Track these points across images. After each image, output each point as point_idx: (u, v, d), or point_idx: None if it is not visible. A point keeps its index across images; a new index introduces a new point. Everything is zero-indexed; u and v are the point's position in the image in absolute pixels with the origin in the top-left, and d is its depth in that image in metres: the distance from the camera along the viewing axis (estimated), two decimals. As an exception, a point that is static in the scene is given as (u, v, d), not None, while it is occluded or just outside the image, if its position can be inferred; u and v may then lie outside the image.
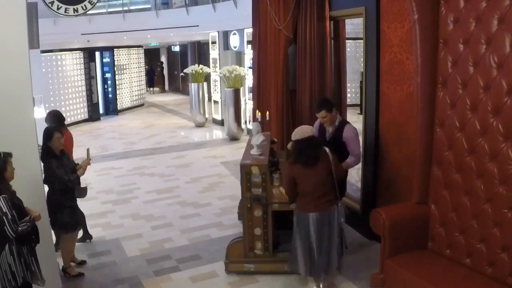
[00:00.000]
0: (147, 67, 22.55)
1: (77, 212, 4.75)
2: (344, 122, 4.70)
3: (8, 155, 3.36)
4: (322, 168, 3.87)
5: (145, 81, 19.55)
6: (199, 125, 13.10)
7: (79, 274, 4.63)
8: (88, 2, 8.29)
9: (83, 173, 4.56)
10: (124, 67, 16.63)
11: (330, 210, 3.95)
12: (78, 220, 4.78)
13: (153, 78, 23.21)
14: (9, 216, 3.18)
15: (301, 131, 3.92)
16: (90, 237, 5.49)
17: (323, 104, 4.66)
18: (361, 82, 10.91)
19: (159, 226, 5.90)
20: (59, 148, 4.48)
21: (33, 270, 3.43)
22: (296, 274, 4.24)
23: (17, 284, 3.32)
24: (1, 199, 3.19)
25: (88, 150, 4.71)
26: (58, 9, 8.05)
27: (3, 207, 3.18)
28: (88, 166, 4.68)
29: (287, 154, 4.75)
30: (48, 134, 4.44)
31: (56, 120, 5.16)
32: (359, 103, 10.29)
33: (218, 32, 12.85)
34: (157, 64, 24.23)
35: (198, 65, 13.39)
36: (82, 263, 4.87)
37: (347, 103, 6.79)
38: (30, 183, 3.90)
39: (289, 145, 4.30)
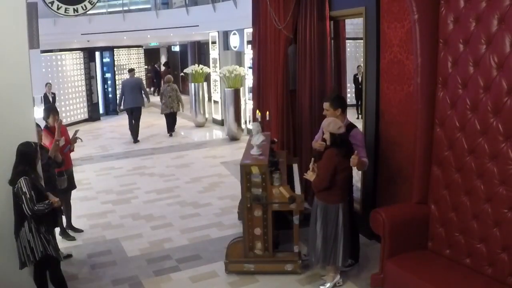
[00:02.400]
0: (155, 66, 21.97)
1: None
2: (351, 126, 4.50)
3: (37, 145, 3.85)
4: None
5: (151, 81, 18.74)
6: (199, 125, 13.10)
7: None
8: (88, 2, 8.29)
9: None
10: (124, 67, 16.62)
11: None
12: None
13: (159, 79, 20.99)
14: (28, 196, 3.58)
15: (336, 124, 4.00)
16: (78, 230, 5.58)
17: (334, 99, 4.52)
18: (355, 81, 11.00)
19: (159, 226, 5.91)
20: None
21: (54, 245, 3.87)
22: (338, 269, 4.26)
23: (35, 258, 3.70)
24: (23, 179, 3.62)
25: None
26: (58, 9, 8.05)
27: (23, 187, 3.59)
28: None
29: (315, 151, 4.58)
30: None
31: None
32: (354, 103, 10.39)
33: (218, 32, 12.85)
34: (164, 64, 23.37)
35: (198, 65, 13.39)
36: (67, 257, 4.94)
37: (348, 103, 6.77)
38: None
39: (325, 136, 4.24)
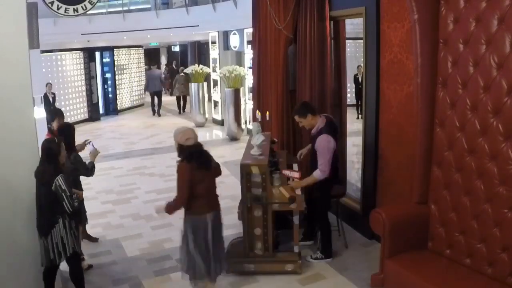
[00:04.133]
0: (173, 66, 21.33)
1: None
2: (320, 132, 4.52)
3: (61, 141, 3.89)
4: (213, 173, 3.95)
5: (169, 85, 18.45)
6: (199, 125, 13.09)
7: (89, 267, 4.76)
8: (88, 2, 8.29)
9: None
10: (124, 67, 16.62)
11: (219, 209, 3.99)
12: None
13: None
14: (67, 193, 3.65)
15: (185, 135, 3.77)
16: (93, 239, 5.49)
17: (298, 109, 4.73)
18: (355, 81, 11.01)
19: (159, 226, 5.90)
20: None
21: (79, 242, 4.04)
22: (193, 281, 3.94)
23: (66, 254, 3.78)
24: (60, 177, 3.64)
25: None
26: (58, 9, 8.05)
27: (62, 185, 3.63)
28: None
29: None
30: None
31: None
32: (354, 103, 10.39)
33: (218, 32, 12.85)
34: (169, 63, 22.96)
35: (198, 65, 13.39)
36: (88, 268, 4.78)
37: (347, 103, 6.78)
38: (30, 182, 3.89)
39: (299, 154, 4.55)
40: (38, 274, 3.94)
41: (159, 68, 20.07)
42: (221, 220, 3.98)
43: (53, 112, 5.36)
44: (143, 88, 16.90)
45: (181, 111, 15.75)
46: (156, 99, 15.55)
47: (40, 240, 3.77)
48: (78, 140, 4.98)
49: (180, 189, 3.71)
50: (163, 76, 17.36)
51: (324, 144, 4.45)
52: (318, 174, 4.49)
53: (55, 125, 5.08)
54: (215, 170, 4.02)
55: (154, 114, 15.62)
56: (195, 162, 3.72)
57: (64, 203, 3.64)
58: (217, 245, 3.87)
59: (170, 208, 3.76)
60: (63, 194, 3.63)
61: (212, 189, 3.95)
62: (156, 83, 15.46)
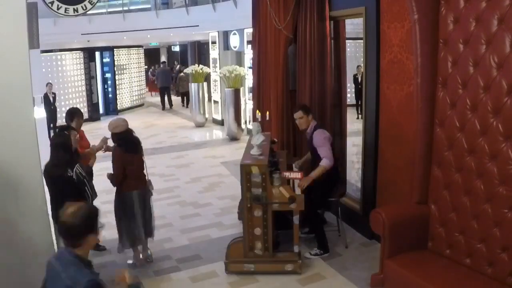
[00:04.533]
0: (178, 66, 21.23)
1: None
2: (315, 129, 4.87)
3: (69, 135, 4.12)
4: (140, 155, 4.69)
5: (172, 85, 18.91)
6: (199, 125, 13.10)
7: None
8: (88, 2, 8.29)
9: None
10: (124, 67, 16.62)
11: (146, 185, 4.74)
12: None
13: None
14: (87, 179, 3.88)
15: (112, 125, 4.53)
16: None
17: (304, 106, 5.11)
18: (355, 81, 11.02)
19: (159, 226, 5.89)
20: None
21: None
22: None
23: None
24: (78, 166, 3.86)
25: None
26: (58, 9, 8.05)
27: (82, 172, 3.84)
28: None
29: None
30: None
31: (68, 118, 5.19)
32: (353, 103, 10.39)
33: (218, 32, 12.86)
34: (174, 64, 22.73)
35: (198, 65, 13.39)
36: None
37: (348, 103, 6.78)
38: (30, 183, 3.90)
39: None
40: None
41: (171, 67, 20.87)
42: (148, 194, 4.75)
43: (72, 113, 5.23)
44: (156, 82, 18.56)
45: (185, 105, 17.12)
46: (166, 96, 17.18)
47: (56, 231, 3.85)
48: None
49: (115, 170, 4.51)
50: (173, 74, 19.19)
51: (321, 135, 4.79)
52: (325, 162, 4.65)
53: (75, 125, 5.02)
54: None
55: (163, 109, 16.96)
56: (124, 147, 4.51)
57: (86, 188, 3.82)
58: (145, 217, 4.70)
59: (112, 181, 4.55)
60: (84, 180, 3.82)
61: (141, 169, 4.69)
62: (166, 79, 17.16)
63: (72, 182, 3.80)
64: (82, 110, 5.58)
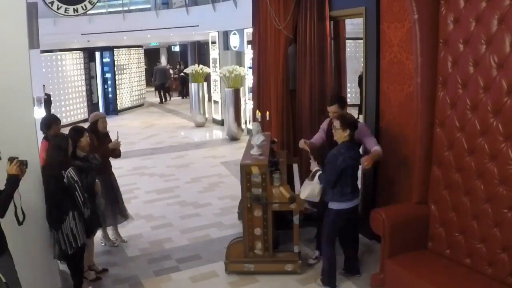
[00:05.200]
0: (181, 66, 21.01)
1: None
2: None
3: (69, 138, 4.06)
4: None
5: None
6: (199, 125, 13.10)
7: (97, 278, 4.56)
8: (88, 2, 8.28)
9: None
10: (124, 67, 16.63)
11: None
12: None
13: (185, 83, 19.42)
14: (79, 184, 3.81)
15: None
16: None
17: (339, 99, 4.60)
18: (359, 82, 11.04)
19: (159, 226, 5.91)
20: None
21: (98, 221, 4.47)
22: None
23: (77, 245, 3.89)
24: (71, 170, 3.81)
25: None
26: (58, 9, 8.04)
27: (74, 176, 3.79)
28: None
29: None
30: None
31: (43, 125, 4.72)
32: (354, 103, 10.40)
33: (218, 32, 12.85)
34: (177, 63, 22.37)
35: (198, 65, 13.39)
36: (103, 271, 4.70)
37: (348, 103, 6.77)
38: (29, 183, 3.89)
39: (301, 144, 4.65)
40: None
41: (176, 67, 21.60)
42: (115, 182, 5.37)
43: (96, 115, 5.36)
44: (152, 80, 19.57)
45: (183, 97, 19.39)
46: (162, 90, 19.00)
47: (51, 233, 3.92)
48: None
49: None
50: (170, 71, 20.11)
51: (365, 128, 4.50)
52: (380, 148, 4.31)
53: (100, 126, 5.34)
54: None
55: (161, 102, 18.85)
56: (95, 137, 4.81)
57: (76, 193, 3.79)
58: (113, 203, 5.17)
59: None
60: (75, 185, 3.77)
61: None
62: (163, 76, 18.71)
63: (63, 184, 3.78)
64: (82, 110, 5.59)
